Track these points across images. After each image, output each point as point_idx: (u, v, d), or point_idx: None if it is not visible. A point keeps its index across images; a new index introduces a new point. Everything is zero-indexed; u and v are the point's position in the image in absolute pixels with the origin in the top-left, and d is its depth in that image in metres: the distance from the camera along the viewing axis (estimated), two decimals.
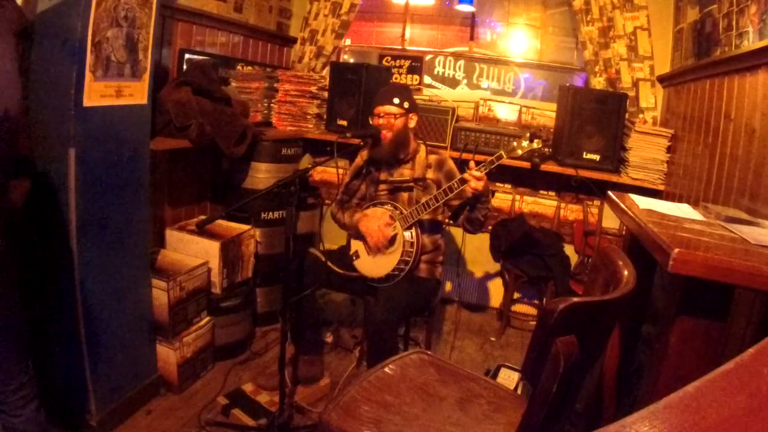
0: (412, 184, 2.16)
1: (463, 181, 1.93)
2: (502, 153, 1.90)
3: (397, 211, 2.11)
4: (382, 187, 2.21)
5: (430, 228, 2.20)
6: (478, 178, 1.90)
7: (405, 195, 2.17)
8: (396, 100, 2.10)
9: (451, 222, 2.27)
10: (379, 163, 2.22)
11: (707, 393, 0.45)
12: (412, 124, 2.17)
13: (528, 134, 1.92)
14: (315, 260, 2.19)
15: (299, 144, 2.95)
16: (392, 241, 2.10)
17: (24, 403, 1.44)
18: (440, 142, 3.05)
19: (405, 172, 2.18)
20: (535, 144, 1.91)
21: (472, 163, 1.95)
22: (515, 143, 1.93)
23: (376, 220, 2.11)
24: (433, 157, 2.20)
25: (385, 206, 2.14)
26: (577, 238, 3.12)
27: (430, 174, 2.17)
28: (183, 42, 2.62)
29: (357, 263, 2.19)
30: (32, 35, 1.64)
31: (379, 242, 2.09)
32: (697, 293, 1.10)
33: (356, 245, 2.21)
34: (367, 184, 2.28)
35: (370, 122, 2.17)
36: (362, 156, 2.28)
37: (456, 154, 2.82)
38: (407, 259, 2.07)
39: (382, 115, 2.11)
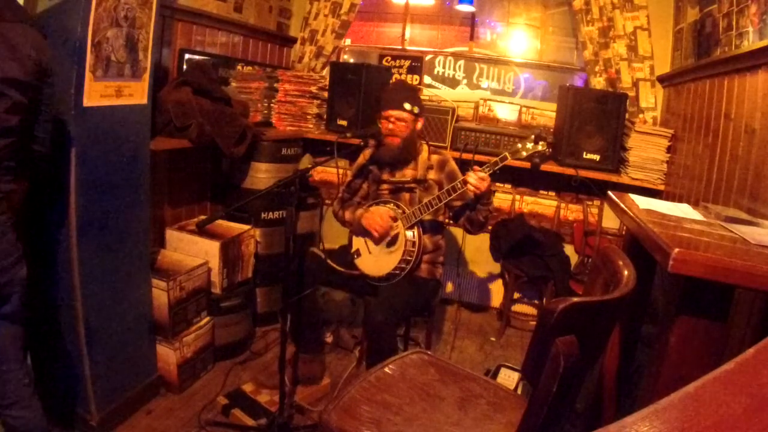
0: (414, 185, 2.17)
1: (466, 182, 1.94)
2: (507, 155, 1.89)
3: (400, 210, 2.11)
4: (384, 186, 2.22)
5: (432, 228, 2.20)
6: (482, 179, 1.90)
7: (407, 195, 2.18)
8: (407, 106, 2.11)
9: (452, 222, 2.27)
10: (382, 163, 2.22)
11: (707, 393, 0.45)
12: (419, 126, 2.19)
13: (533, 136, 1.91)
14: (315, 260, 2.19)
15: (299, 144, 2.95)
16: (394, 240, 2.10)
17: (33, 391, 1.44)
18: (440, 142, 3.05)
19: (407, 173, 2.19)
20: (540, 146, 1.90)
21: (476, 166, 1.95)
22: (519, 145, 1.92)
23: (378, 215, 2.11)
24: (435, 158, 2.20)
25: (388, 205, 2.15)
26: (577, 238, 3.12)
27: (432, 174, 2.18)
28: (183, 42, 2.62)
29: (358, 261, 2.20)
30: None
31: (383, 230, 2.08)
32: (697, 293, 1.10)
33: (358, 243, 2.22)
34: (369, 183, 2.28)
35: (378, 123, 2.17)
36: (365, 155, 2.28)
37: (456, 154, 2.82)
38: (408, 258, 2.07)
39: (392, 120, 2.11)
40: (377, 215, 2.10)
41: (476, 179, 1.90)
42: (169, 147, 2.27)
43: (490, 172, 1.91)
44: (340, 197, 2.31)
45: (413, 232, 2.09)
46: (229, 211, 2.60)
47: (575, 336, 0.88)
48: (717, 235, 1.22)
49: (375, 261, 2.15)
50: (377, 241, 2.13)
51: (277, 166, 2.76)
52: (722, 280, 1.00)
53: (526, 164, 2.84)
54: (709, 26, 2.23)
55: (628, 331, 1.67)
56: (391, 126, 2.11)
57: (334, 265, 2.15)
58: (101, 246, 1.81)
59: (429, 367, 1.43)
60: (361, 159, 2.29)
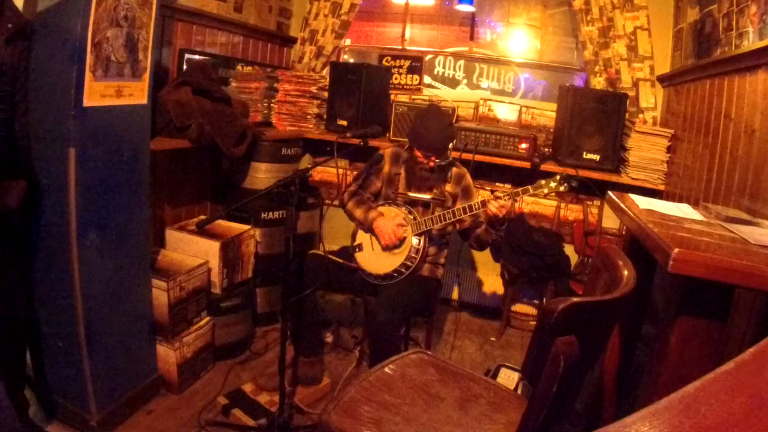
0: (429, 201, 2.19)
1: (484, 204, 1.97)
2: (529, 188, 1.93)
3: (411, 216, 2.13)
4: (400, 199, 2.23)
5: (438, 239, 2.23)
6: (502, 206, 1.95)
7: (420, 207, 2.20)
8: (450, 146, 2.16)
9: (461, 238, 2.28)
10: (408, 176, 2.23)
11: (707, 393, 0.45)
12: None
13: (558, 177, 1.93)
14: (315, 260, 2.19)
15: (299, 144, 2.95)
16: (400, 243, 2.12)
17: (3, 394, 1.43)
18: None
19: (427, 194, 2.20)
20: (563, 188, 1.92)
21: (497, 193, 1.99)
22: (543, 182, 1.94)
23: (391, 220, 2.12)
24: (453, 171, 2.23)
25: (401, 208, 2.16)
26: (577, 238, 3.12)
27: (449, 188, 2.21)
28: (183, 42, 2.62)
29: (358, 255, 2.20)
30: (31, 35, 1.65)
31: (391, 243, 2.10)
32: (697, 293, 1.10)
33: (362, 238, 2.22)
34: (384, 183, 2.28)
35: (419, 158, 2.15)
36: (386, 154, 2.28)
37: (456, 154, 2.82)
38: (409, 264, 2.09)
39: (434, 160, 2.14)
40: (390, 224, 2.10)
41: (497, 207, 1.94)
42: (169, 147, 2.27)
43: (511, 200, 1.94)
44: (351, 190, 2.30)
45: (420, 239, 2.10)
46: (229, 211, 2.60)
47: (575, 336, 0.88)
48: (717, 235, 1.22)
49: (376, 259, 2.16)
50: (384, 247, 2.14)
51: (277, 166, 2.76)
52: (722, 280, 1.00)
53: (526, 164, 2.88)
54: (709, 26, 2.23)
55: (628, 331, 1.67)
56: (431, 164, 2.15)
57: (333, 257, 2.16)
58: (101, 246, 1.81)
59: (429, 367, 1.43)
60: (382, 160, 2.27)
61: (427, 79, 3.69)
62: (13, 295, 1.72)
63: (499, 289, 3.34)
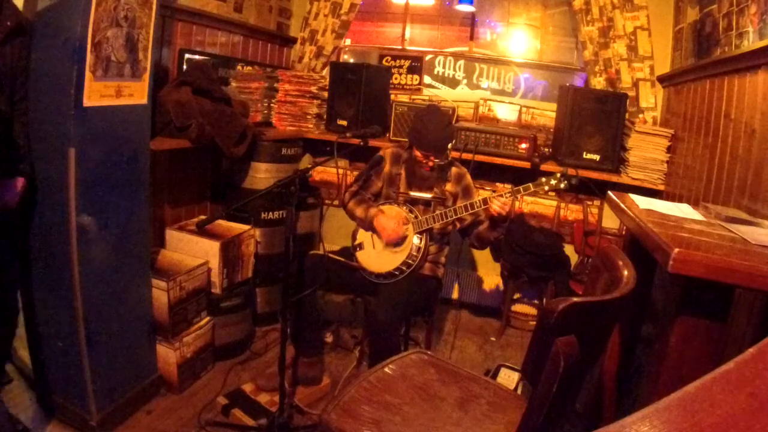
0: (430, 200, 2.19)
1: (486, 202, 1.97)
2: (530, 185, 1.93)
3: (412, 215, 2.13)
4: (401, 198, 2.23)
5: (439, 237, 2.23)
6: (505, 204, 1.94)
7: (422, 206, 2.20)
8: (450, 146, 2.15)
9: (461, 237, 2.29)
10: (408, 176, 2.23)
11: (707, 393, 0.45)
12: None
13: (558, 175, 1.92)
14: (315, 260, 2.19)
15: (299, 144, 2.95)
16: (401, 241, 2.12)
17: None
18: None
19: (427, 192, 2.21)
20: (563, 185, 1.92)
21: (498, 191, 1.99)
22: (544, 179, 1.93)
23: (392, 218, 2.12)
24: (453, 170, 2.23)
25: (402, 207, 2.16)
26: (577, 238, 3.11)
27: (449, 187, 2.21)
28: (183, 42, 2.62)
29: (359, 254, 2.21)
30: (31, 33, 1.65)
31: (394, 237, 2.10)
32: (697, 293, 1.10)
33: (363, 237, 2.22)
34: (385, 183, 2.28)
35: (419, 158, 2.15)
36: (386, 154, 2.28)
37: (456, 154, 2.82)
38: (410, 262, 2.09)
39: (432, 158, 2.13)
40: (391, 220, 2.11)
41: (499, 205, 1.94)
42: (169, 147, 2.27)
43: (513, 198, 1.95)
44: (352, 190, 2.30)
45: (421, 237, 2.11)
46: (229, 211, 2.60)
47: (575, 336, 0.88)
48: (717, 235, 1.22)
49: (377, 257, 2.16)
50: (387, 243, 2.14)
51: (277, 166, 2.76)
52: (722, 280, 1.00)
53: (526, 164, 2.87)
54: (709, 26, 2.23)
55: (628, 331, 1.67)
56: (430, 164, 2.14)
57: (334, 255, 2.16)
58: (101, 246, 1.81)
59: (429, 367, 1.43)
60: (384, 160, 2.27)
61: (427, 79, 3.69)
62: (12, 295, 1.72)
63: (499, 289, 3.34)
